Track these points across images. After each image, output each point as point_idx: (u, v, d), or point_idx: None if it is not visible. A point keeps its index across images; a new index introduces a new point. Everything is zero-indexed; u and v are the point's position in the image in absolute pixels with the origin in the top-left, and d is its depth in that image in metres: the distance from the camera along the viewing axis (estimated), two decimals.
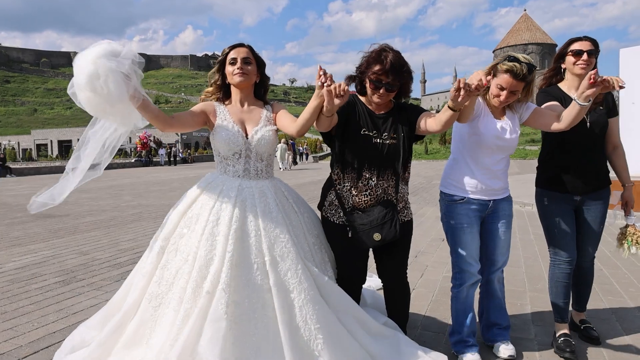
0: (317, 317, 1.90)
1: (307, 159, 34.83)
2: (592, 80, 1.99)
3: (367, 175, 2.23)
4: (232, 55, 2.18)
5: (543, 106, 2.37)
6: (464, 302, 2.41)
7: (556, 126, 2.24)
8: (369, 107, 2.29)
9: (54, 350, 2.53)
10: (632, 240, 2.45)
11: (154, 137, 40.57)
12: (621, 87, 2.01)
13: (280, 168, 22.37)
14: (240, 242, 1.96)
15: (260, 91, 2.32)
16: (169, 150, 39.11)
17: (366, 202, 2.23)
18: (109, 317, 2.17)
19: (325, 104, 1.86)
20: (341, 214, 2.26)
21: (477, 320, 2.57)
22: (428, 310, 3.18)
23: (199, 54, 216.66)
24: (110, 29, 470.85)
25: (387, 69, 2.13)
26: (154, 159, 36.91)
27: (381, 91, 2.18)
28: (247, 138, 2.18)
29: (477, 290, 2.48)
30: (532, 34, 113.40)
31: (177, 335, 1.81)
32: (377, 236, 2.15)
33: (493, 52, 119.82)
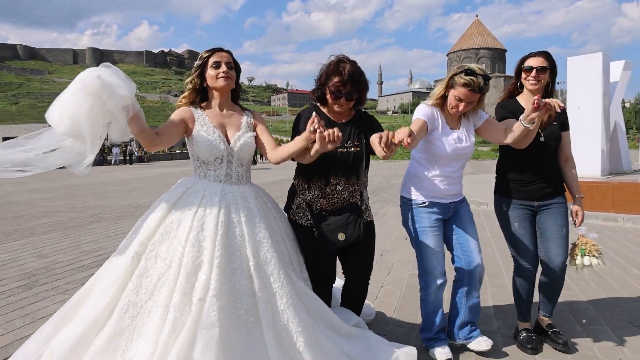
0: (298, 321, 1.94)
1: (266, 159, 34.54)
2: (535, 105, 2.15)
3: (334, 182, 2.32)
4: (214, 58, 2.16)
5: (501, 122, 2.51)
6: (434, 303, 2.51)
7: (505, 141, 2.41)
8: (330, 116, 2.37)
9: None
10: (585, 250, 2.51)
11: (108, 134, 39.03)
12: (562, 109, 2.18)
13: None
14: (226, 247, 1.95)
15: (236, 97, 2.33)
16: (123, 149, 37.78)
17: (334, 205, 2.32)
18: (62, 326, 1.97)
19: (316, 147, 1.96)
20: (309, 216, 2.33)
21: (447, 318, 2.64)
22: (397, 307, 3.32)
23: (155, 50, 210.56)
24: (59, 21, 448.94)
25: (346, 80, 2.22)
26: (108, 158, 35.54)
27: (341, 101, 2.27)
28: (229, 143, 2.17)
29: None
30: (484, 39, 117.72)
31: (167, 345, 1.77)
32: (341, 236, 2.24)
33: (447, 55, 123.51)
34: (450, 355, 2.44)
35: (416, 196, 2.50)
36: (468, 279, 2.47)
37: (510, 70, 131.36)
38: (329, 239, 2.24)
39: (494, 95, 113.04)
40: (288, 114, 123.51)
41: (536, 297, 2.72)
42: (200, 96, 2.24)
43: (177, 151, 53.03)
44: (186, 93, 2.24)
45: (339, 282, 2.68)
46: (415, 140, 2.25)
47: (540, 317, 2.73)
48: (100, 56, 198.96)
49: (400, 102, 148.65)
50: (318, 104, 2.40)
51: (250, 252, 1.98)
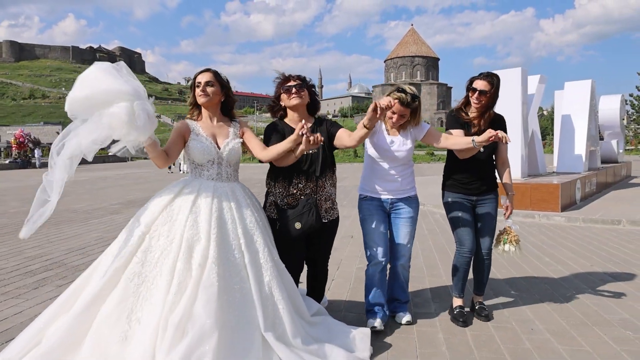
0: (279, 291, 2.34)
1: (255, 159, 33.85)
2: (492, 138, 2.64)
3: (296, 181, 2.70)
4: (197, 79, 2.55)
5: (452, 131, 3.03)
6: (371, 279, 2.99)
7: (441, 145, 2.93)
8: (292, 125, 2.74)
9: None
10: (507, 239, 3.09)
11: (32, 135, 36.56)
12: (507, 142, 2.69)
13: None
14: (219, 227, 2.32)
15: (226, 108, 2.66)
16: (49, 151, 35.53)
17: (295, 198, 2.69)
18: (71, 302, 2.25)
19: (301, 147, 2.38)
20: (275, 211, 2.69)
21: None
22: (348, 296, 3.66)
23: (83, 46, 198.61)
24: None
25: (292, 77, 2.76)
26: (32, 161, 33.25)
27: (293, 90, 2.70)
28: (219, 149, 2.55)
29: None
30: (419, 47, 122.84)
31: (174, 304, 2.10)
32: (297, 225, 2.59)
33: (384, 62, 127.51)
34: (379, 326, 2.88)
35: (361, 191, 3.06)
36: (393, 264, 3.04)
37: (442, 78, 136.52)
38: (288, 228, 2.60)
39: (428, 100, 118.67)
40: None
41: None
42: (199, 111, 2.61)
43: (110, 153, 50.71)
44: (189, 110, 2.64)
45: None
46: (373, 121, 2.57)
47: (474, 296, 3.27)
48: (19, 50, 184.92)
49: (340, 106, 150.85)
50: (280, 119, 2.81)
51: (241, 232, 2.35)
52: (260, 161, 2.71)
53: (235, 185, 2.57)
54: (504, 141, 2.66)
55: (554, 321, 3.09)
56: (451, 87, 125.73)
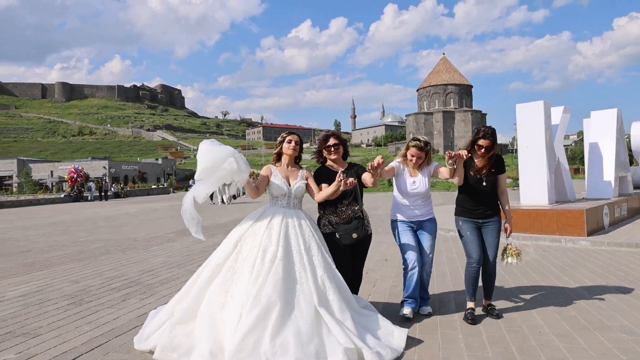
0: (329, 282, 3.24)
1: (245, 194, 35.27)
2: (448, 157, 3.58)
3: (341, 206, 3.68)
4: (289, 138, 3.65)
5: (443, 168, 3.89)
6: (409, 280, 3.86)
7: (446, 177, 3.81)
8: (332, 168, 3.82)
9: (104, 348, 3.34)
10: (509, 254, 3.92)
11: (83, 171, 39.08)
12: (467, 156, 3.60)
13: (213, 202, 22.65)
14: (285, 238, 3.29)
15: (297, 160, 3.73)
16: (99, 185, 37.77)
17: (343, 219, 3.63)
18: (186, 292, 3.32)
19: (341, 188, 3.39)
20: (330, 227, 3.68)
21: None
22: (380, 310, 4.28)
23: (127, 85, 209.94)
24: (27, 55, 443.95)
25: (331, 136, 3.84)
26: (84, 194, 35.49)
27: (332, 149, 3.79)
28: (290, 186, 3.56)
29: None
30: (451, 75, 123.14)
31: (254, 285, 3.09)
32: (354, 235, 3.61)
33: (417, 90, 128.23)
34: (408, 313, 3.77)
35: (393, 217, 3.98)
36: (424, 270, 3.90)
37: (477, 104, 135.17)
38: (347, 237, 3.58)
39: (462, 128, 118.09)
40: (263, 148, 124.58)
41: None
42: (278, 158, 3.67)
43: (154, 186, 53.06)
44: (273, 156, 3.69)
45: None
46: (383, 170, 3.68)
47: (484, 300, 3.99)
48: (70, 91, 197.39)
49: (373, 135, 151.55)
50: (323, 163, 3.88)
51: (301, 242, 3.29)
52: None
53: (299, 211, 3.56)
54: (464, 156, 3.57)
55: (560, 326, 3.62)
56: (485, 114, 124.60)
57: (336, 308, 3.13)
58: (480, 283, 3.93)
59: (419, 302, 3.94)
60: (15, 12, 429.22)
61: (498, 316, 3.85)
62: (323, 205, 3.77)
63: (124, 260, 7.20)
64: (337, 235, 3.64)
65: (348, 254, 3.71)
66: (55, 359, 3.21)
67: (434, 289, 4.83)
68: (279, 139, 3.71)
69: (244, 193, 25.63)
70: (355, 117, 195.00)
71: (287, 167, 3.66)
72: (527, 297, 4.53)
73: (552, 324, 3.67)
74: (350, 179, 3.31)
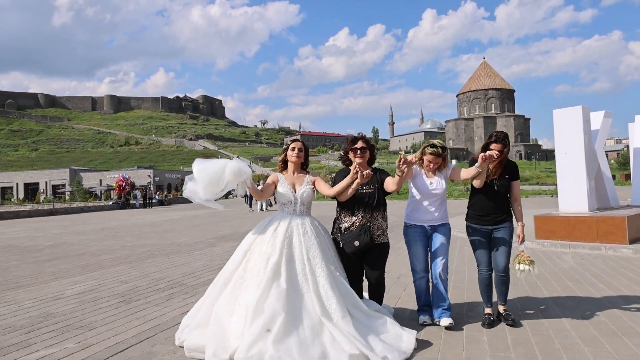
0: (332, 291, 3.32)
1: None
2: (483, 158, 3.53)
3: (357, 212, 3.71)
4: (292, 145, 3.79)
5: (464, 169, 3.89)
6: (418, 288, 3.91)
7: (466, 178, 3.79)
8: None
9: (151, 341, 3.66)
10: (521, 260, 3.83)
11: (130, 179, 40.87)
12: (496, 157, 3.65)
13: (252, 210, 23.25)
14: (289, 246, 3.41)
15: (303, 165, 3.82)
16: (144, 193, 39.28)
17: (354, 225, 3.69)
18: (206, 297, 3.57)
19: (357, 180, 3.45)
20: (339, 234, 3.73)
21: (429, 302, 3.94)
22: (409, 313, 4.42)
23: (170, 96, 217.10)
24: (79, 70, 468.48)
25: (358, 139, 3.82)
26: (131, 202, 37.11)
27: (358, 153, 3.75)
28: (295, 193, 3.67)
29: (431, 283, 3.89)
30: (492, 80, 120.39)
31: (261, 293, 3.22)
32: (356, 242, 3.60)
33: (457, 96, 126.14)
34: (426, 320, 3.83)
35: (406, 220, 3.99)
36: (438, 277, 3.79)
37: (520, 109, 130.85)
38: (349, 245, 3.62)
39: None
40: None
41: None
42: (285, 166, 3.79)
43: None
44: (279, 164, 3.81)
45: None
46: (410, 170, 3.71)
47: (499, 306, 3.96)
48: (117, 103, 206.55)
49: (412, 142, 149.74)
50: (347, 166, 3.87)
51: (304, 250, 3.40)
52: (331, 198, 3.79)
53: (306, 218, 3.64)
54: (495, 156, 3.61)
55: (587, 331, 3.65)
56: (529, 119, 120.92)
57: (339, 316, 3.21)
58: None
59: (439, 313, 3.81)
60: (69, 31, 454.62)
61: (513, 322, 3.76)
62: (340, 209, 3.80)
63: (168, 264, 7.64)
64: (340, 244, 3.68)
65: (356, 259, 3.71)
66: (109, 348, 3.56)
67: (464, 292, 4.92)
68: (284, 146, 3.87)
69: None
70: (393, 123, 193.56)
71: (294, 174, 3.76)
72: (558, 303, 4.54)
73: (580, 329, 3.70)
74: (367, 171, 3.38)
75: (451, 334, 3.66)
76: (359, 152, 3.75)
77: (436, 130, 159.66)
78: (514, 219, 3.96)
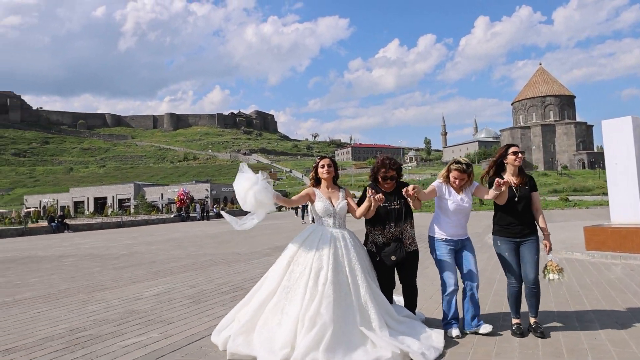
0: (371, 301, 3.61)
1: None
2: (497, 185, 3.71)
3: (388, 227, 4.03)
4: (321, 163, 4.07)
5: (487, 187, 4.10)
6: (449, 302, 3.98)
7: (491, 198, 3.94)
8: (382, 189, 4.09)
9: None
10: (550, 270, 3.91)
11: (190, 193, 43.17)
12: (524, 180, 3.89)
13: (305, 222, 23.87)
14: (335, 260, 3.69)
15: (335, 180, 4.14)
16: (202, 206, 41.25)
17: (388, 239, 4.00)
18: (245, 305, 3.86)
19: (373, 205, 3.83)
20: (374, 247, 4.05)
21: (461, 315, 4.10)
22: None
23: (226, 112, 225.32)
24: (142, 91, 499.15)
25: (388, 169, 4.03)
26: (191, 214, 39.10)
27: (387, 181, 4.03)
28: (334, 207, 3.99)
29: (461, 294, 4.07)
30: (549, 86, 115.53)
31: (308, 306, 3.49)
32: (393, 257, 3.90)
33: (512, 104, 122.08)
34: (459, 333, 3.91)
35: (437, 235, 4.10)
36: (474, 288, 3.98)
37: (582, 115, 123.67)
38: (386, 259, 3.94)
39: (565, 142, 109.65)
40: (352, 168, 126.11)
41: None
42: (317, 182, 4.12)
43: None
44: (310, 181, 4.14)
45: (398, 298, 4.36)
46: (421, 194, 3.89)
47: (530, 318, 4.05)
48: (176, 120, 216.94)
49: (466, 152, 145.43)
50: (374, 183, 4.19)
51: (347, 263, 3.72)
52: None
53: (344, 231, 3.93)
54: (511, 183, 3.85)
55: (618, 334, 3.87)
56: (592, 125, 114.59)
57: (377, 326, 3.49)
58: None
59: (477, 322, 3.97)
60: (133, 54, 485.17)
61: (543, 335, 3.83)
62: (372, 224, 4.05)
63: (229, 271, 8.37)
64: (377, 258, 3.98)
65: (390, 271, 4.04)
66: (186, 338, 4.23)
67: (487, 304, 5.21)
68: (314, 164, 4.11)
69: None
70: (446, 134, 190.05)
71: (328, 189, 4.02)
72: (595, 310, 4.73)
73: (611, 333, 3.92)
74: (379, 195, 3.72)
75: (484, 337, 4.01)
76: (388, 180, 4.02)
77: (491, 139, 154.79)
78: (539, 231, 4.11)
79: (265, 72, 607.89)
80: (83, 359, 3.75)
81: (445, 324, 4.05)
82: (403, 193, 3.76)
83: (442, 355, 3.56)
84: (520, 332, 3.90)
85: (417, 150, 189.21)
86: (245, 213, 3.89)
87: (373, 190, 3.79)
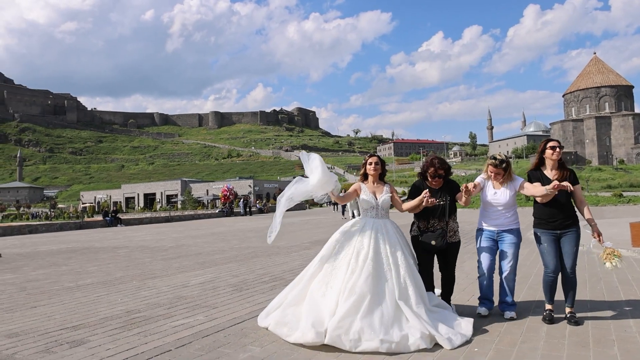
0: (409, 280, 3.94)
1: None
2: (556, 187, 3.83)
3: (432, 220, 4.38)
4: (370, 160, 4.45)
5: (529, 183, 4.25)
6: (480, 284, 4.47)
7: (534, 194, 4.13)
8: (429, 185, 4.45)
9: (254, 318, 4.62)
10: (607, 256, 3.99)
11: (234, 189, 44.35)
12: (570, 190, 3.90)
13: (345, 217, 24.16)
14: (375, 242, 4.06)
15: (381, 176, 4.49)
16: (245, 202, 42.25)
17: (429, 229, 4.36)
18: (293, 288, 4.28)
19: (423, 204, 4.16)
20: (418, 232, 4.44)
21: (493, 297, 4.46)
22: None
23: (268, 110, 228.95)
24: (188, 90, 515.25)
25: (437, 167, 4.37)
26: (235, 210, 40.22)
27: (436, 179, 4.38)
28: (377, 200, 4.34)
29: (497, 280, 4.40)
30: (605, 76, 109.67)
31: (349, 279, 3.90)
32: (434, 242, 4.30)
33: (563, 96, 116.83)
34: (486, 312, 4.34)
35: (479, 226, 4.48)
36: (504, 276, 4.30)
37: (639, 108, 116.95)
38: (428, 242, 4.30)
39: (622, 134, 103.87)
40: (394, 164, 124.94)
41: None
42: (365, 177, 4.48)
43: (315, 200, 57.22)
44: (360, 177, 4.51)
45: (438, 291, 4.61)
46: (476, 189, 4.33)
47: (566, 307, 4.18)
48: (220, 118, 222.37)
49: (513, 147, 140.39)
50: (423, 180, 4.55)
51: (388, 246, 4.05)
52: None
53: (386, 220, 4.31)
54: (568, 190, 3.85)
55: None
56: None
57: (414, 302, 3.82)
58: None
59: (503, 307, 4.34)
60: (179, 55, 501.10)
61: (577, 323, 4.01)
62: (417, 216, 4.49)
63: (270, 262, 8.75)
64: (419, 239, 4.39)
65: (429, 257, 4.44)
66: (229, 321, 4.59)
67: (533, 291, 5.25)
68: (363, 161, 4.52)
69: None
70: (492, 128, 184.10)
71: (374, 184, 4.42)
72: (631, 304, 4.71)
73: None
74: (432, 199, 4.11)
75: (513, 323, 4.13)
76: (436, 178, 4.39)
77: (540, 133, 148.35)
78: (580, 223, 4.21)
79: (306, 69, 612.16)
80: (138, 336, 4.18)
81: (479, 300, 4.52)
82: (462, 188, 4.19)
83: (468, 341, 3.72)
84: (550, 319, 4.08)
85: (461, 145, 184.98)
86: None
87: (429, 194, 4.13)
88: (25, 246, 14.95)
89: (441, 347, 3.60)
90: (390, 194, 4.39)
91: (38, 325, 4.68)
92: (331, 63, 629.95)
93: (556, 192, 3.94)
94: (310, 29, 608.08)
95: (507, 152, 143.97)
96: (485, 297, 4.43)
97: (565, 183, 3.84)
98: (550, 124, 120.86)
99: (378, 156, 4.50)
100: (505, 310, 4.34)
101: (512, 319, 4.22)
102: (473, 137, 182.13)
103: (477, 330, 3.95)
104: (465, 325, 3.91)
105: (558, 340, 3.65)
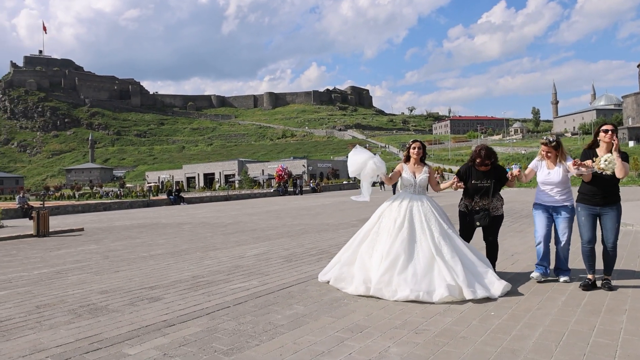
0: (444, 241, 4.60)
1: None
2: (574, 165, 4.30)
3: (476, 199, 4.96)
4: (413, 145, 5.12)
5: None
6: (538, 250, 4.90)
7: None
8: (478, 170, 5.03)
9: (306, 283, 5.25)
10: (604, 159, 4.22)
11: (288, 169, 45.61)
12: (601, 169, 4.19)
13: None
14: (410, 212, 4.72)
15: (422, 159, 5.08)
16: (296, 182, 43.31)
17: (474, 207, 4.94)
18: (346, 251, 5.06)
19: (453, 187, 4.95)
20: (465, 209, 5.08)
21: (549, 263, 4.91)
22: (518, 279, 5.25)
23: (321, 89, 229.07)
24: (244, 71, 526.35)
25: (483, 157, 4.99)
26: (289, 189, 41.50)
27: (482, 167, 5.00)
28: (415, 178, 4.95)
29: (554, 248, 4.88)
30: None
31: (388, 243, 4.64)
32: (478, 223, 4.99)
33: (638, 66, 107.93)
34: (540, 278, 4.88)
35: (535, 200, 5.02)
36: (560, 247, 4.74)
37: None
38: (474, 221, 4.92)
39: None
40: (451, 142, 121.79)
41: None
42: (407, 159, 5.10)
43: (345, 182, 57.87)
44: (404, 158, 5.17)
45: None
46: (522, 174, 4.97)
47: (603, 275, 4.59)
48: (275, 99, 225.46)
49: (581, 122, 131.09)
50: (471, 165, 5.09)
51: (422, 215, 4.68)
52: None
53: (422, 196, 4.96)
54: (596, 168, 4.20)
55: None
56: None
57: (448, 257, 4.47)
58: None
59: (558, 273, 4.88)
60: (234, 37, 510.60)
61: (610, 288, 4.44)
62: (464, 194, 5.16)
63: (318, 238, 9.42)
64: (466, 219, 5.10)
65: (471, 229, 5.18)
66: (279, 285, 5.28)
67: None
68: (407, 145, 5.25)
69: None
70: (557, 102, 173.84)
71: (414, 165, 5.09)
72: None
73: None
74: (459, 183, 4.90)
75: (536, 293, 4.49)
76: (483, 166, 4.99)
77: (612, 107, 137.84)
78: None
79: (360, 46, 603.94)
80: (203, 295, 4.95)
81: (536, 265, 5.00)
82: (508, 174, 4.93)
83: (490, 298, 4.28)
84: (585, 285, 4.54)
85: (523, 121, 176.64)
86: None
87: (457, 179, 4.97)
88: (102, 222, 16.65)
89: (468, 305, 4.16)
90: (428, 175, 5.00)
91: (122, 285, 5.61)
92: (386, 39, 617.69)
93: (584, 171, 4.29)
94: (365, 5, 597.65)
95: (574, 127, 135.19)
96: (540, 264, 4.89)
97: (588, 162, 4.26)
98: (622, 97, 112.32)
99: (420, 142, 5.20)
100: (560, 275, 4.87)
101: (566, 282, 4.79)
102: (536, 112, 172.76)
103: (506, 294, 4.43)
104: (497, 287, 4.41)
105: (572, 309, 3.99)
